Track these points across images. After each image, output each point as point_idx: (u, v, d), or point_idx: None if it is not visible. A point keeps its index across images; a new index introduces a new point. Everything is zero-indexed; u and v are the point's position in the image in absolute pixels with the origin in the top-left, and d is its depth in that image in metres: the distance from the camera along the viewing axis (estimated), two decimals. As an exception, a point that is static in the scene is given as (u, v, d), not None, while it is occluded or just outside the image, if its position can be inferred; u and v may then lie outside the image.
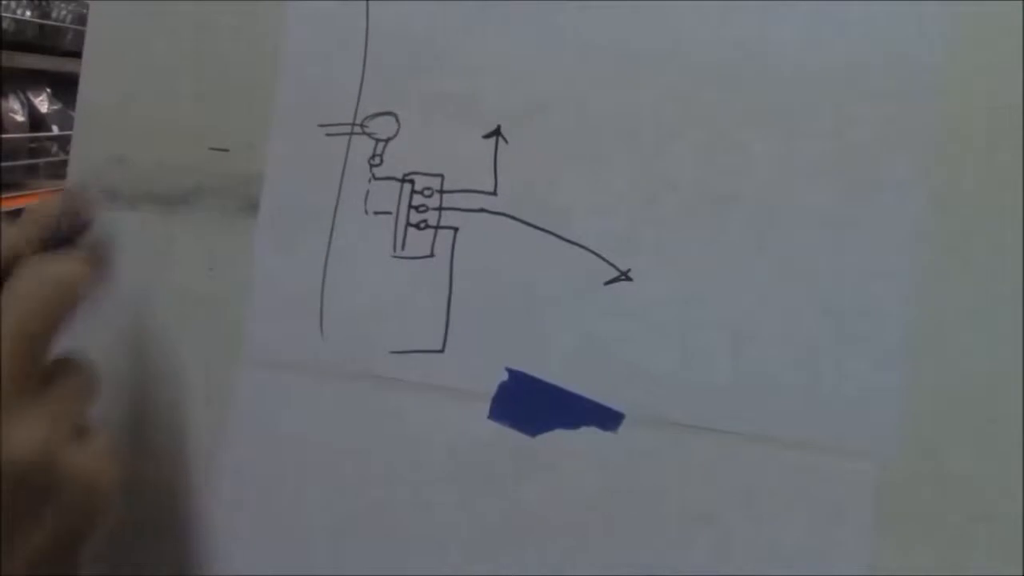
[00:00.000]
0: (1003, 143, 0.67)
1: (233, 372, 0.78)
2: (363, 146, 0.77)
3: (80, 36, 2.88)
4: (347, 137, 0.77)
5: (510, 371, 0.75)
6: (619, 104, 0.74)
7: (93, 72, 0.82)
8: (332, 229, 0.77)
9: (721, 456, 0.72)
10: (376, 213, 0.77)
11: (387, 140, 0.77)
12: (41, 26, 2.63)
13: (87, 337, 0.79)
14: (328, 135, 0.78)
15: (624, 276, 0.73)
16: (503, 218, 0.75)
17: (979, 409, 0.67)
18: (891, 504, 0.68)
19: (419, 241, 0.76)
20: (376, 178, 0.77)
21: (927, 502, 0.68)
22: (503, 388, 0.75)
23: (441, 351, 0.76)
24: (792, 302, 0.71)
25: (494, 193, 0.75)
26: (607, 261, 0.74)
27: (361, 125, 0.77)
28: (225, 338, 0.78)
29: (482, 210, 0.75)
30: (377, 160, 0.77)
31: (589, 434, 0.74)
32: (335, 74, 0.78)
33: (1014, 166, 0.67)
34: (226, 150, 0.78)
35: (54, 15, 2.69)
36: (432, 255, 0.76)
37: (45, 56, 2.75)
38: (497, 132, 0.75)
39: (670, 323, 0.73)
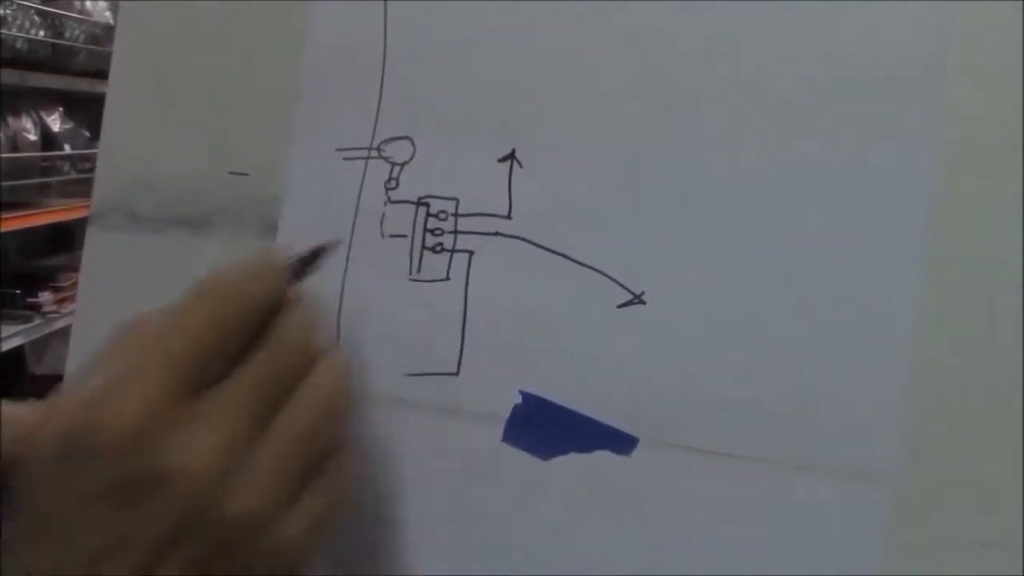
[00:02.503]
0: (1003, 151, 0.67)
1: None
2: (379, 170, 0.78)
3: (93, 56, 2.90)
4: (364, 161, 0.78)
5: (524, 394, 0.75)
6: (633, 127, 0.75)
7: (118, 97, 0.83)
8: (349, 252, 0.78)
9: (736, 481, 0.72)
10: (392, 236, 0.78)
11: (403, 164, 0.78)
12: (54, 46, 2.65)
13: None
14: (345, 159, 0.78)
15: (637, 299, 0.74)
16: (518, 241, 0.76)
17: (986, 432, 0.67)
18: (900, 530, 0.69)
19: (435, 264, 0.77)
20: (392, 201, 0.78)
21: (936, 528, 0.68)
22: (517, 411, 0.75)
23: (456, 374, 0.77)
24: (803, 328, 0.71)
25: (508, 217, 0.76)
26: (620, 284, 0.74)
27: (378, 149, 0.78)
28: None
29: (497, 234, 0.76)
30: (393, 184, 0.78)
31: (602, 458, 0.74)
32: (352, 99, 0.79)
33: (1014, 173, 0.67)
34: (246, 174, 0.79)
35: (67, 35, 2.71)
36: (448, 278, 0.77)
37: (58, 75, 2.77)
38: (512, 156, 0.76)
39: (684, 347, 0.73)
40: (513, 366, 0.76)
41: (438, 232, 0.77)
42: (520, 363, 0.76)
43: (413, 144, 0.78)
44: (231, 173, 0.79)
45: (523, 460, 0.75)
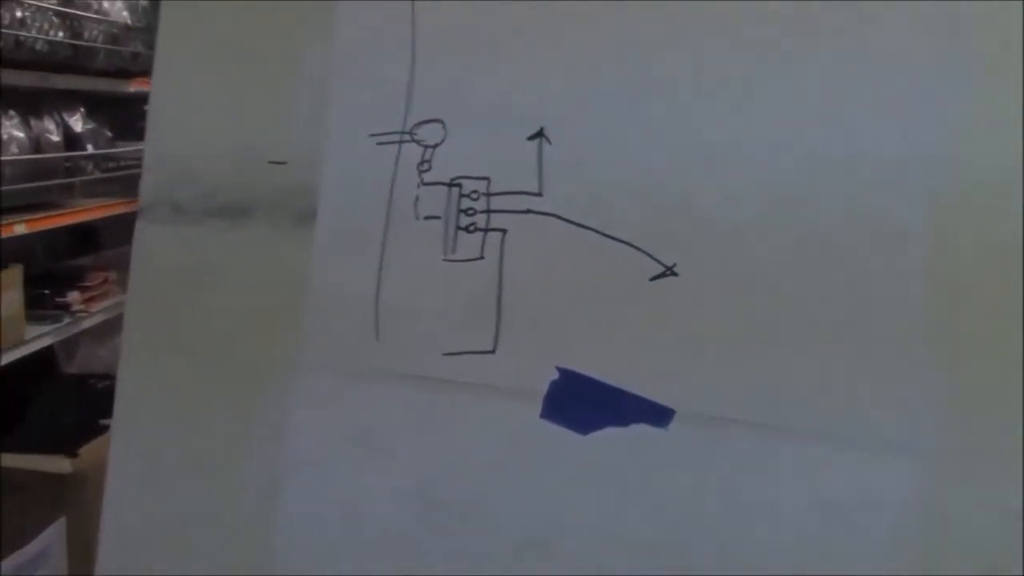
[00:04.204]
0: None
1: (292, 377, 0.80)
2: (412, 153, 0.79)
3: (111, 55, 2.91)
4: (397, 145, 0.79)
5: (561, 370, 0.76)
6: (661, 101, 0.75)
7: (161, 95, 0.85)
8: (385, 235, 0.79)
9: (770, 452, 0.73)
10: (426, 218, 0.79)
11: (435, 146, 0.79)
12: (74, 46, 2.66)
13: (154, 346, 0.81)
14: (379, 143, 0.80)
15: (670, 271, 0.75)
16: (550, 218, 0.77)
17: (1017, 408, 0.68)
18: (937, 500, 0.69)
19: (469, 244, 0.78)
20: (425, 183, 0.79)
21: (973, 498, 0.69)
22: (554, 387, 0.76)
23: (492, 352, 0.78)
24: (839, 298, 0.72)
25: (539, 194, 0.77)
26: (653, 257, 0.75)
27: (410, 133, 0.79)
28: (284, 344, 0.80)
29: (528, 211, 0.77)
30: (426, 166, 0.79)
31: (640, 431, 0.75)
32: (384, 85, 0.80)
33: None
34: (284, 163, 0.80)
35: (85, 35, 2.72)
36: (482, 257, 0.78)
37: (78, 76, 2.78)
38: (540, 134, 0.77)
39: (717, 318, 0.74)
40: (549, 342, 0.77)
41: (471, 212, 0.78)
42: (556, 339, 0.77)
43: (444, 126, 0.79)
44: (270, 163, 0.81)
45: (562, 435, 0.76)
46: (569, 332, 0.76)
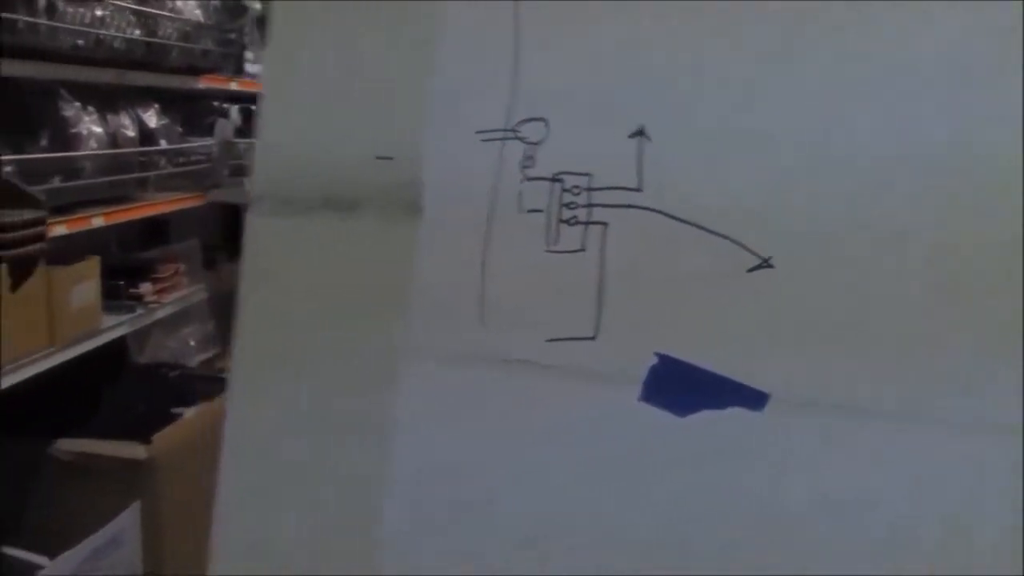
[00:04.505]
0: None
1: (401, 364, 0.83)
2: (515, 149, 0.83)
3: (184, 53, 2.99)
4: (500, 142, 0.83)
5: (660, 355, 0.79)
6: (757, 101, 0.78)
7: (272, 93, 0.89)
8: (489, 227, 0.82)
9: (866, 435, 0.75)
10: (529, 211, 0.82)
11: (538, 143, 0.82)
12: (148, 44, 2.74)
13: (263, 337, 0.85)
14: (483, 140, 0.83)
15: (766, 264, 0.77)
16: (649, 212, 0.80)
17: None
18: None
19: (570, 236, 0.81)
20: (528, 179, 0.82)
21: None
22: (653, 372, 0.79)
23: (593, 338, 0.81)
24: (925, 281, 0.74)
25: (639, 189, 0.80)
26: (749, 250, 0.78)
27: (513, 130, 0.83)
28: (393, 332, 0.83)
29: (629, 206, 0.80)
30: (529, 162, 0.82)
31: (737, 415, 0.78)
32: (488, 84, 0.83)
33: None
34: (390, 158, 0.84)
35: (160, 33, 2.80)
36: (583, 249, 0.81)
37: (152, 73, 2.87)
38: (641, 132, 0.80)
39: (812, 308, 0.76)
40: (648, 329, 0.80)
41: (573, 206, 0.81)
42: (655, 326, 0.79)
43: (547, 124, 0.82)
44: (377, 158, 0.84)
45: (660, 418, 0.79)
46: (668, 320, 0.79)
